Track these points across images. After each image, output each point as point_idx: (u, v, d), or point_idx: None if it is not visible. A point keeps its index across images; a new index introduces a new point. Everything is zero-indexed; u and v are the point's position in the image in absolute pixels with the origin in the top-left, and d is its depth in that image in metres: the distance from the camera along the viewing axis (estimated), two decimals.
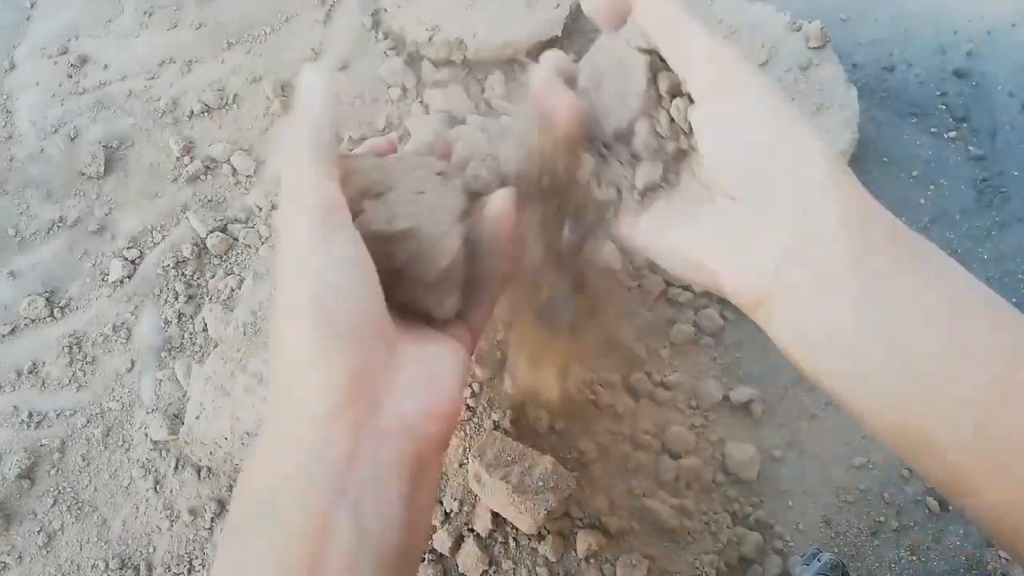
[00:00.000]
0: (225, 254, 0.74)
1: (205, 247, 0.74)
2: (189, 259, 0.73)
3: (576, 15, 0.86)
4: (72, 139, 0.82)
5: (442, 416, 0.31)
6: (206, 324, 0.70)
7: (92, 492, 0.64)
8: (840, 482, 0.64)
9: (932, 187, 0.80)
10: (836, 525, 0.62)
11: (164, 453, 0.65)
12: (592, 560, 0.55)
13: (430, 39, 0.83)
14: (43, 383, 0.68)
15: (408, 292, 0.34)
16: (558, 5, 0.85)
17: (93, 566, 0.60)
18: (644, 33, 0.35)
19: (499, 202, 0.37)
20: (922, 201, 0.79)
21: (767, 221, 0.32)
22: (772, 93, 0.32)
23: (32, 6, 0.93)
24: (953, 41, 0.90)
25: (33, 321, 0.72)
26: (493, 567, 0.55)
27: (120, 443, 0.66)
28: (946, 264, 0.31)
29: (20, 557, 0.61)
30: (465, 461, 0.56)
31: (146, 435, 0.65)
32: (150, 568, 0.60)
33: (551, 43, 0.85)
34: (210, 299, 0.71)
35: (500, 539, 0.55)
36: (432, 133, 0.75)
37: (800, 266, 0.31)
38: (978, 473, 0.28)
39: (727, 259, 0.33)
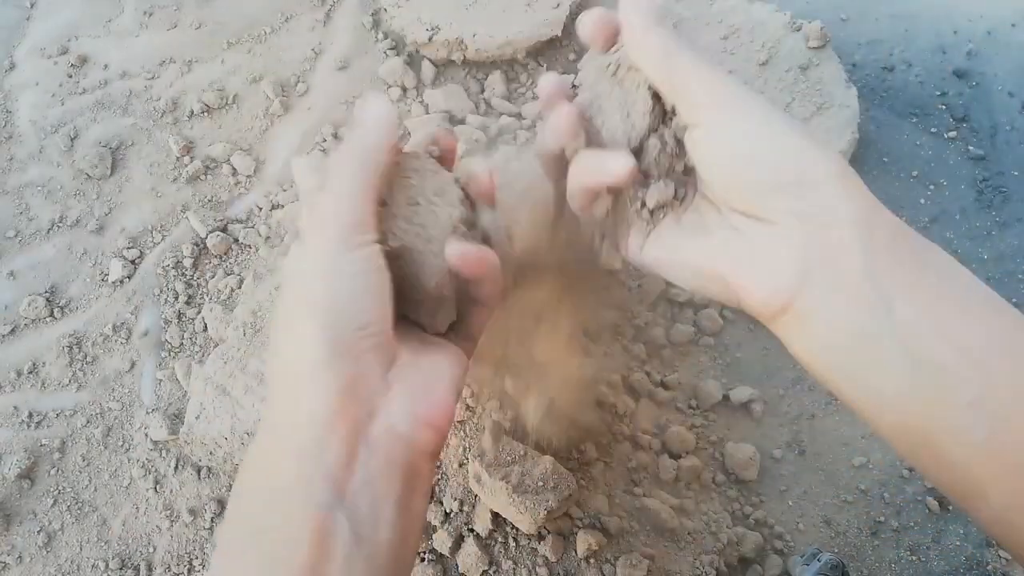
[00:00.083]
0: (225, 254, 0.74)
1: (205, 247, 0.74)
2: (189, 259, 0.73)
3: (576, 15, 0.86)
4: (72, 139, 0.82)
5: (434, 426, 0.32)
6: (206, 324, 0.70)
7: (92, 492, 0.64)
8: (840, 482, 0.64)
9: (932, 187, 0.80)
10: (836, 525, 0.62)
11: (164, 453, 0.65)
12: (592, 560, 0.55)
13: (430, 39, 0.83)
14: (43, 383, 0.68)
15: (403, 306, 0.35)
16: (558, 5, 0.85)
17: (93, 566, 0.60)
18: (633, 63, 0.35)
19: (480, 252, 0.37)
20: (922, 201, 0.79)
21: (779, 234, 0.32)
22: (764, 110, 0.33)
23: (32, 6, 0.93)
24: (953, 41, 0.90)
25: (33, 321, 0.72)
26: (493, 567, 0.55)
27: (120, 443, 0.66)
28: (951, 267, 0.31)
29: (20, 557, 0.61)
30: (465, 461, 0.56)
31: (146, 435, 0.65)
32: (150, 568, 0.60)
33: (551, 43, 0.85)
34: (210, 299, 0.71)
35: (500, 539, 0.55)
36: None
37: (816, 277, 0.31)
38: (987, 475, 0.28)
39: (745, 273, 0.33)
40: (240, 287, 0.71)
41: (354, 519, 0.29)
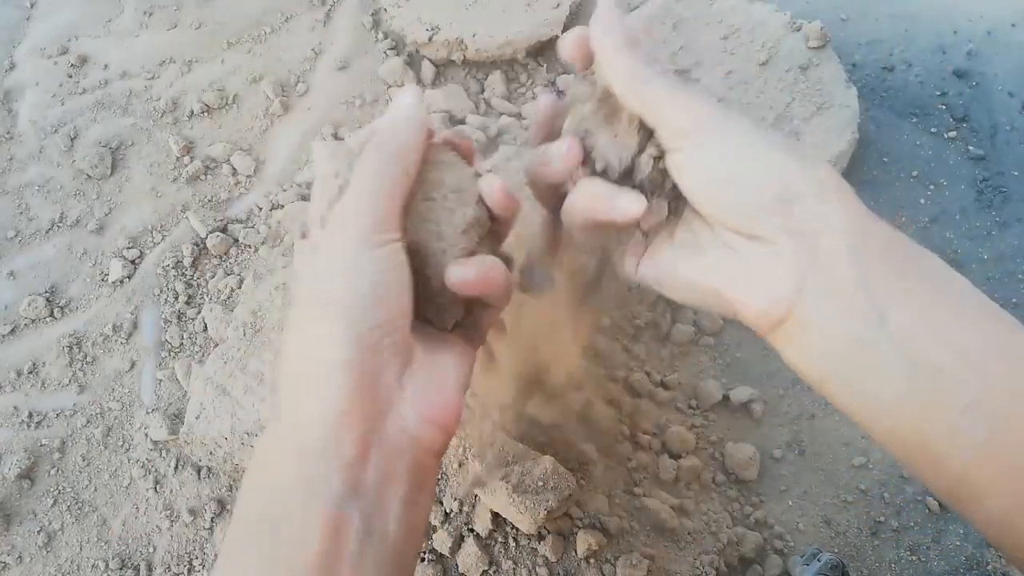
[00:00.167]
0: (225, 254, 0.74)
1: (205, 247, 0.74)
2: (189, 259, 0.73)
3: (575, 15, 0.86)
4: (72, 139, 0.81)
5: (442, 425, 0.33)
6: (206, 324, 0.70)
7: (92, 492, 0.64)
8: (840, 482, 0.64)
9: (932, 187, 0.80)
10: (836, 525, 0.62)
11: (164, 453, 0.65)
12: (592, 560, 0.55)
13: (430, 39, 0.83)
14: (43, 383, 0.68)
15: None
16: (558, 5, 0.85)
17: (93, 566, 0.60)
18: (609, 88, 0.35)
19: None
20: (922, 201, 0.79)
21: (771, 251, 0.32)
22: (742, 131, 0.33)
23: (32, 6, 0.93)
24: (953, 41, 0.90)
25: (33, 321, 0.72)
26: (493, 567, 0.55)
27: (120, 443, 0.66)
28: (946, 273, 0.32)
29: (20, 557, 0.61)
30: (465, 461, 0.56)
31: (146, 435, 0.65)
32: (150, 568, 0.60)
33: (551, 43, 0.85)
34: (210, 299, 0.71)
35: (500, 539, 0.55)
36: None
37: (810, 289, 0.31)
38: (985, 478, 0.28)
39: (740, 289, 0.34)
40: (240, 287, 0.71)
41: (365, 514, 0.30)
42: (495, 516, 0.55)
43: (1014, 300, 0.73)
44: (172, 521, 0.62)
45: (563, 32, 0.84)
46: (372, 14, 0.89)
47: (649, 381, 0.66)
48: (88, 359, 0.70)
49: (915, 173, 0.81)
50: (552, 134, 0.39)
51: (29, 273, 0.74)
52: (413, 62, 0.85)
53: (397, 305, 0.32)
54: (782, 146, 0.33)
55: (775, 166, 0.32)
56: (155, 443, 0.65)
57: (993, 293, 0.73)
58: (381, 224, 0.32)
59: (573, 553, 0.55)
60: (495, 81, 0.83)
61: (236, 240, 0.75)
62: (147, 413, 0.66)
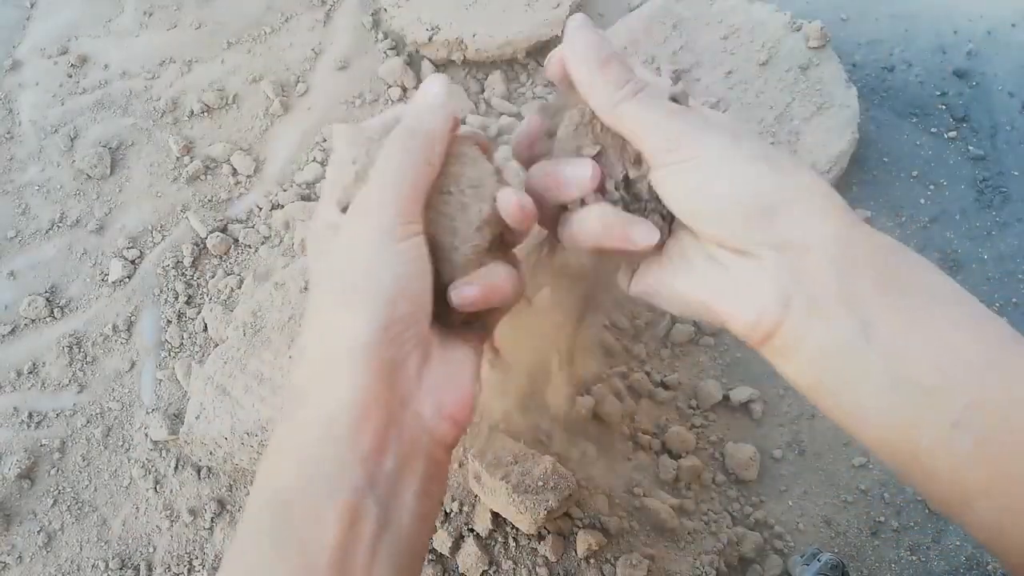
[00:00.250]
0: (225, 254, 0.74)
1: (205, 247, 0.74)
2: (189, 259, 0.73)
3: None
4: (72, 139, 0.82)
5: (456, 419, 0.33)
6: (206, 324, 0.70)
7: (92, 492, 0.64)
8: (840, 482, 0.64)
9: (932, 187, 0.80)
10: (836, 525, 0.62)
11: (164, 453, 0.65)
12: (592, 560, 0.55)
13: (430, 39, 0.83)
14: (43, 383, 0.68)
15: None
16: (558, 5, 0.85)
17: (93, 566, 0.60)
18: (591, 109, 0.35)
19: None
20: (922, 201, 0.79)
21: (756, 265, 0.33)
22: (720, 146, 0.33)
23: (32, 6, 0.93)
24: (953, 41, 0.90)
25: (33, 321, 0.72)
26: (493, 567, 0.55)
27: (120, 443, 0.66)
28: (933, 281, 0.31)
29: (20, 557, 0.61)
30: (465, 461, 0.56)
31: (146, 435, 0.65)
32: (150, 568, 0.60)
33: (551, 43, 0.85)
34: (210, 299, 0.71)
35: (500, 539, 0.55)
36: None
37: (795, 305, 0.32)
38: (973, 487, 0.29)
39: (727, 304, 0.34)
40: (240, 287, 0.71)
41: (381, 504, 0.30)
42: (495, 516, 0.55)
43: (1014, 300, 0.73)
44: (172, 521, 0.62)
45: (562, 32, 0.84)
46: (372, 14, 0.89)
47: (649, 381, 0.66)
48: (88, 359, 0.70)
49: (915, 173, 0.81)
50: (537, 149, 0.39)
51: (29, 273, 0.74)
52: (413, 62, 0.85)
53: (419, 299, 0.32)
54: (763, 158, 0.33)
55: (754, 180, 0.32)
56: (155, 443, 0.65)
57: (993, 293, 0.73)
58: (405, 216, 0.32)
59: (573, 553, 0.55)
60: (495, 81, 0.83)
61: (236, 240, 0.75)
62: (147, 413, 0.66)
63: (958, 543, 0.61)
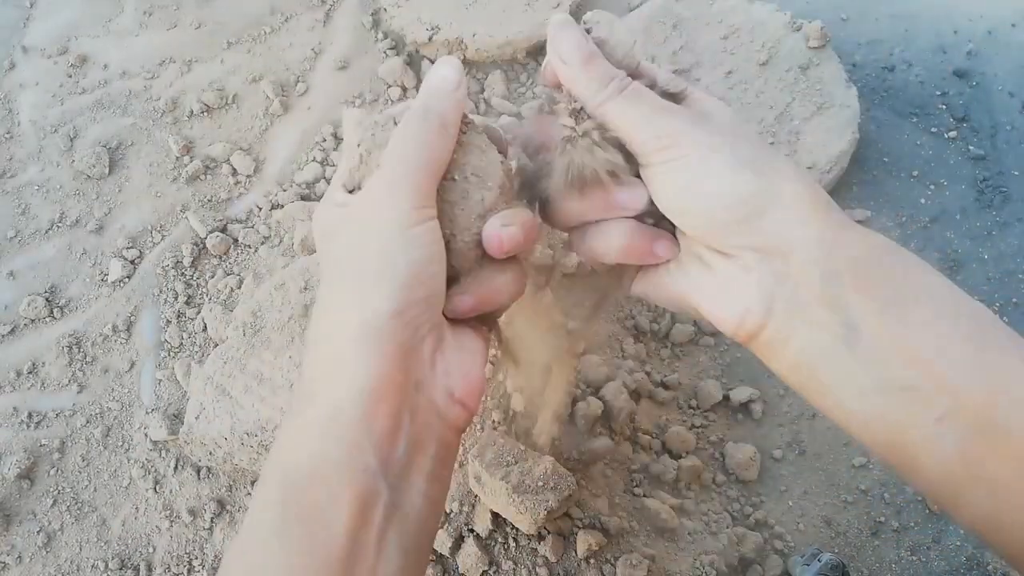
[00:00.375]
0: (225, 254, 0.74)
1: (205, 247, 0.74)
2: (189, 259, 0.73)
3: (575, 16, 0.86)
4: (72, 139, 0.81)
5: (467, 403, 0.33)
6: (206, 324, 0.70)
7: (92, 492, 0.64)
8: (840, 482, 0.64)
9: (932, 187, 0.80)
10: (836, 525, 0.62)
11: (164, 453, 0.65)
12: (592, 560, 0.55)
13: (430, 39, 0.83)
14: (43, 383, 0.68)
15: None
16: (558, 5, 0.85)
17: (93, 566, 0.60)
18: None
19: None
20: (922, 201, 0.79)
21: (740, 267, 0.33)
22: (705, 146, 0.32)
23: (32, 6, 0.93)
24: (953, 41, 0.90)
25: (33, 321, 0.72)
26: (493, 567, 0.54)
27: (120, 443, 0.66)
28: (919, 280, 0.31)
29: (20, 557, 0.61)
30: (465, 461, 0.56)
31: (146, 435, 0.65)
32: (150, 568, 0.60)
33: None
34: (210, 299, 0.71)
35: (500, 539, 0.55)
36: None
37: (778, 307, 0.32)
38: (960, 485, 0.29)
39: (713, 304, 0.34)
40: (240, 287, 0.71)
41: (393, 488, 0.30)
42: (495, 516, 0.55)
43: (1014, 300, 0.73)
44: (172, 521, 0.62)
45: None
46: (372, 14, 0.89)
47: (649, 381, 0.66)
48: (88, 359, 0.70)
49: (915, 173, 0.81)
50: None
51: (29, 273, 0.74)
52: (413, 62, 0.85)
53: (434, 283, 0.32)
54: (750, 159, 0.32)
55: (741, 182, 0.32)
56: (155, 443, 0.65)
57: (993, 293, 0.73)
58: (419, 200, 0.32)
59: (573, 553, 0.55)
60: (495, 81, 0.83)
61: (236, 240, 0.75)
62: (147, 413, 0.66)
63: (958, 543, 0.61)
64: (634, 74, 0.35)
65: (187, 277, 0.73)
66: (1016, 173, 0.81)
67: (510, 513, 0.52)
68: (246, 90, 0.84)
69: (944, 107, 0.86)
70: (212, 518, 0.61)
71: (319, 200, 0.69)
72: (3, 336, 0.71)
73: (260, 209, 0.76)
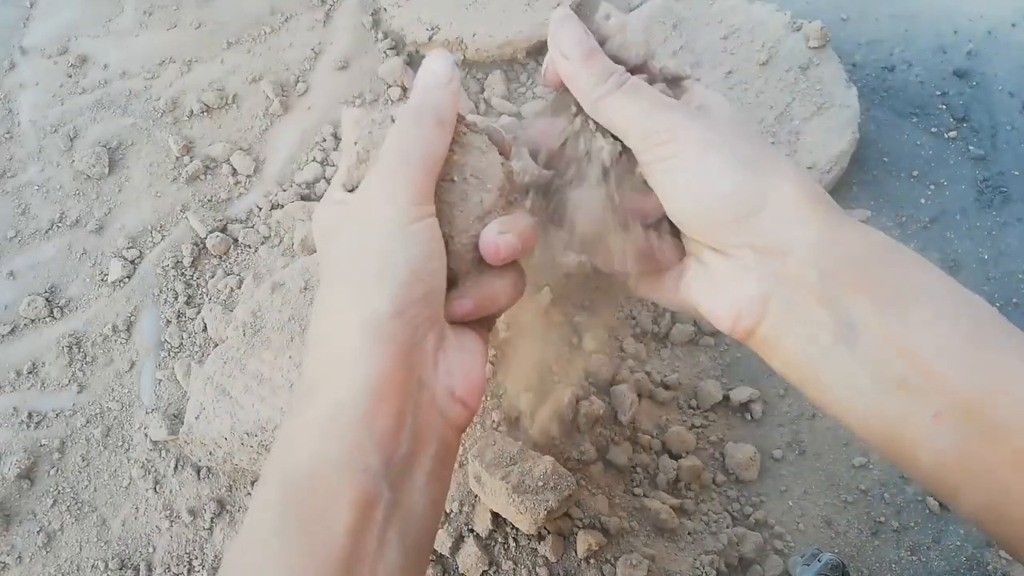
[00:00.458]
0: (225, 254, 0.74)
1: (205, 247, 0.74)
2: (189, 259, 0.73)
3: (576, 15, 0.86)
4: (72, 139, 0.81)
5: (468, 402, 0.33)
6: (206, 324, 0.70)
7: (92, 492, 0.64)
8: (840, 482, 0.64)
9: (932, 187, 0.80)
10: (836, 525, 0.62)
11: (164, 453, 0.64)
12: (592, 560, 0.55)
13: (430, 39, 0.83)
14: (43, 383, 0.68)
15: None
16: (558, 5, 0.85)
17: (93, 566, 0.60)
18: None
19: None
20: (922, 201, 0.79)
21: (737, 266, 0.33)
22: (702, 144, 0.32)
23: (32, 6, 0.93)
24: (953, 41, 0.90)
25: (33, 321, 0.72)
26: (493, 567, 0.54)
27: (120, 443, 0.66)
28: (918, 280, 0.31)
29: (20, 557, 0.61)
30: (465, 461, 0.56)
31: (146, 435, 0.65)
32: (150, 568, 0.60)
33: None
34: (210, 299, 0.71)
35: (500, 539, 0.55)
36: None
37: (775, 307, 0.32)
38: (957, 480, 0.29)
39: (710, 302, 0.35)
40: (240, 287, 0.71)
41: (394, 486, 0.30)
42: (495, 516, 0.55)
43: (1014, 300, 0.73)
44: (172, 521, 0.62)
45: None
46: (372, 14, 0.89)
47: (649, 381, 0.66)
48: (88, 359, 0.70)
49: (915, 173, 0.81)
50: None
51: (29, 273, 0.74)
52: (413, 62, 0.85)
53: (434, 280, 0.32)
54: (749, 158, 0.32)
55: (740, 181, 0.32)
56: (155, 443, 0.65)
57: (993, 293, 0.73)
58: (418, 197, 0.32)
59: (573, 553, 0.55)
60: (495, 81, 0.83)
61: (236, 240, 0.75)
62: (147, 413, 0.66)
63: (958, 543, 0.61)
64: (637, 70, 0.35)
65: (187, 277, 0.73)
66: (1016, 173, 0.81)
67: (510, 513, 0.52)
68: (246, 90, 0.84)
69: (944, 107, 0.86)
70: (212, 518, 0.61)
71: (319, 200, 0.69)
72: (3, 336, 0.71)
73: (260, 209, 0.76)
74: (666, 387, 0.66)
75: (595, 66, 0.34)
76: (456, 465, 0.56)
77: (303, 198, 0.76)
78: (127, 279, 0.73)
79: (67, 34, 0.90)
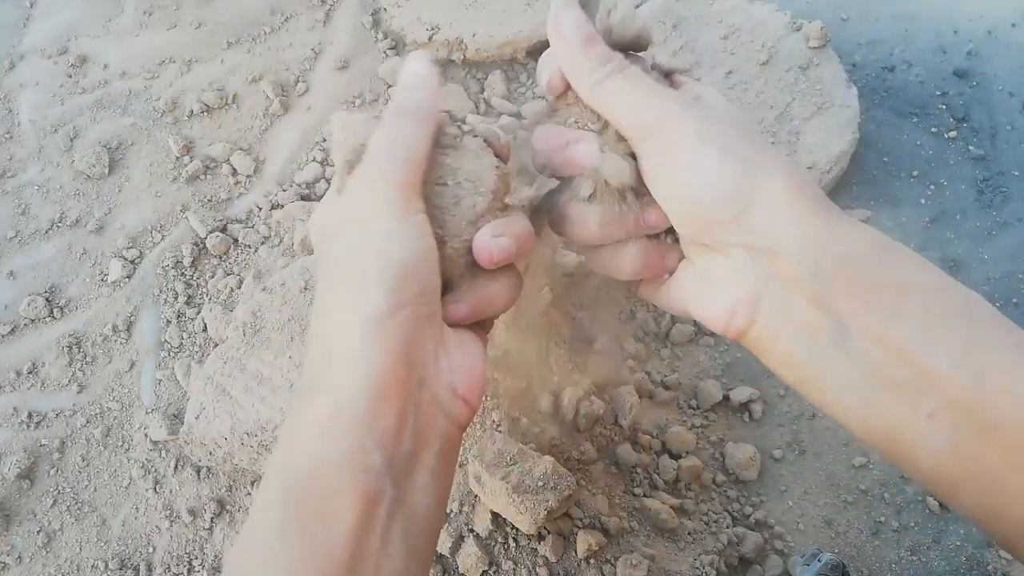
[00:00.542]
0: (225, 254, 0.74)
1: (205, 247, 0.74)
2: (189, 259, 0.73)
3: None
4: (72, 139, 0.81)
5: (469, 399, 0.33)
6: (206, 324, 0.70)
7: (92, 492, 0.64)
8: (840, 482, 0.64)
9: (932, 187, 0.80)
10: (836, 525, 0.62)
11: (164, 453, 0.64)
12: (592, 560, 0.55)
13: (430, 39, 0.83)
14: (43, 383, 0.68)
15: None
16: None
17: (93, 566, 0.60)
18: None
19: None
20: (922, 201, 0.79)
21: (728, 264, 0.33)
22: (697, 137, 0.32)
23: (32, 6, 0.93)
24: (953, 41, 0.90)
25: (33, 321, 0.72)
26: (493, 567, 0.54)
27: (120, 443, 0.66)
28: (910, 278, 0.31)
29: (20, 557, 0.61)
30: (465, 461, 0.56)
31: (146, 435, 0.65)
32: (150, 568, 0.60)
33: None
34: (210, 299, 0.71)
35: (500, 539, 0.55)
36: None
37: (766, 306, 0.32)
38: (954, 478, 0.29)
39: (700, 302, 0.35)
40: (240, 287, 0.71)
41: (396, 485, 0.30)
42: (495, 516, 0.55)
43: (1014, 300, 0.73)
44: (172, 521, 0.62)
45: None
46: (372, 14, 0.89)
47: (649, 381, 0.66)
48: (88, 359, 0.70)
49: (915, 173, 0.81)
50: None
51: (29, 273, 0.74)
52: None
53: (428, 278, 0.32)
54: (741, 152, 0.32)
55: (730, 176, 0.31)
56: (155, 443, 0.65)
57: (993, 293, 0.73)
58: (404, 193, 0.32)
59: (573, 553, 0.55)
60: (495, 81, 0.83)
61: (236, 240, 0.75)
62: (147, 413, 0.66)
63: (958, 543, 0.61)
64: (634, 61, 0.35)
65: (187, 277, 0.73)
66: (1016, 173, 0.81)
67: (510, 513, 0.52)
68: (246, 90, 0.84)
69: (944, 107, 0.86)
70: (212, 518, 0.61)
71: (319, 200, 0.69)
72: (3, 336, 0.71)
73: (260, 209, 0.76)
74: (666, 387, 0.66)
75: (594, 51, 0.34)
76: (456, 465, 0.56)
77: (303, 198, 0.76)
78: (127, 279, 0.73)
79: (67, 34, 0.90)
